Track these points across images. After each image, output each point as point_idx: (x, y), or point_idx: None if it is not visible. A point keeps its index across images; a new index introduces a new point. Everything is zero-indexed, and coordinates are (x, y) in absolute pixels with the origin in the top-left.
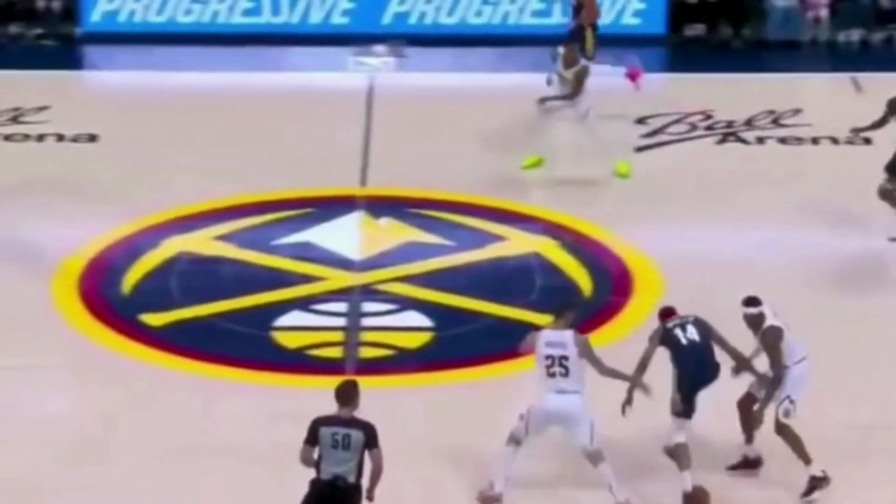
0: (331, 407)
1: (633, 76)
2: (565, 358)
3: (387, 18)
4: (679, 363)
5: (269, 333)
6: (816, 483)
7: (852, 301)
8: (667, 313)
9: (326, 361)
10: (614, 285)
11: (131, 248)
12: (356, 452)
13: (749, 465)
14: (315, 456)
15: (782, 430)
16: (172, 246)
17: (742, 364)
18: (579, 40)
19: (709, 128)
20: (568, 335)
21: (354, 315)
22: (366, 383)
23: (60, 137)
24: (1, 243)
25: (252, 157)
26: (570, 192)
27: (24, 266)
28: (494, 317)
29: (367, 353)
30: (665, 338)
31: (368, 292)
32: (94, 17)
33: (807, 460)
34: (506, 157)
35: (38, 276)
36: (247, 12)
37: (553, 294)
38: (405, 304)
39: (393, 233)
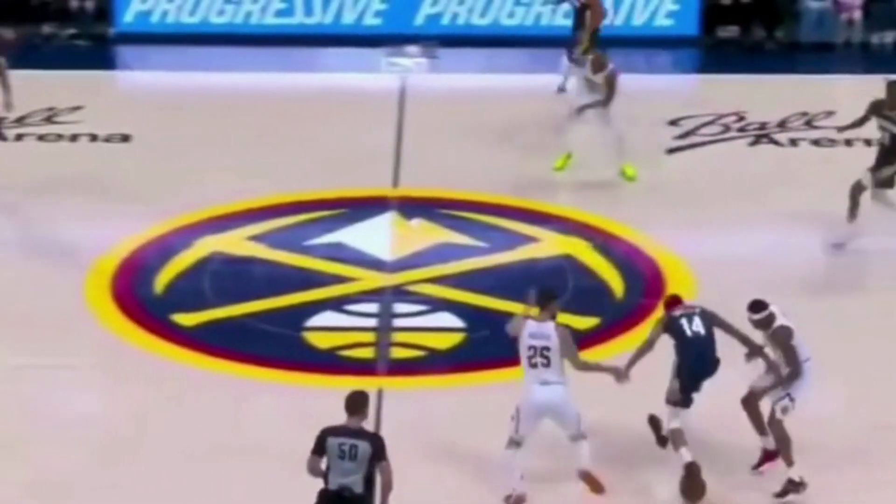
0: None
1: None
2: (547, 349)
3: (419, 19)
4: (682, 354)
5: (300, 334)
6: (792, 487)
7: (880, 300)
8: (672, 302)
9: (358, 362)
10: (646, 287)
11: (164, 248)
12: (363, 464)
13: (770, 457)
14: (323, 467)
15: (775, 426)
16: (205, 246)
17: (753, 350)
18: (579, 41)
19: (742, 129)
20: (550, 327)
21: (386, 316)
22: (397, 384)
23: (94, 137)
24: (34, 243)
25: (284, 158)
26: (602, 194)
27: (57, 265)
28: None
29: (398, 353)
30: (670, 327)
31: (400, 293)
32: (128, 17)
33: (790, 462)
34: (538, 158)
35: (70, 276)
36: (279, 13)
37: (585, 295)
38: (437, 304)
39: (425, 234)
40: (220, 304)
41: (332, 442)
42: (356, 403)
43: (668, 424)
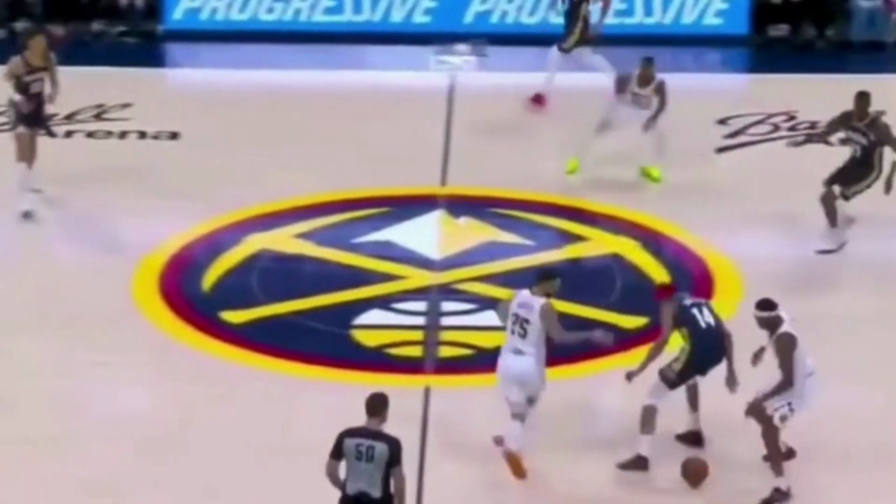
0: (406, 404)
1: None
2: (527, 321)
3: (468, 17)
4: (694, 342)
5: (348, 331)
6: (779, 496)
7: None
8: (667, 291)
9: (405, 360)
10: (695, 286)
11: (212, 246)
12: (380, 466)
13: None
14: (342, 473)
15: (772, 433)
16: (253, 243)
17: (727, 352)
18: (571, 33)
19: (792, 129)
20: (537, 302)
21: (434, 314)
22: (444, 382)
23: (142, 134)
24: (83, 240)
25: (333, 156)
26: (650, 193)
27: (106, 262)
28: (574, 317)
29: (445, 352)
30: (682, 317)
31: (448, 291)
32: (177, 14)
33: (779, 471)
34: (585, 157)
35: (119, 273)
36: (328, 10)
37: (633, 294)
38: (484, 303)
39: (472, 232)
40: (267, 301)
41: (350, 443)
42: (376, 405)
43: (647, 397)
